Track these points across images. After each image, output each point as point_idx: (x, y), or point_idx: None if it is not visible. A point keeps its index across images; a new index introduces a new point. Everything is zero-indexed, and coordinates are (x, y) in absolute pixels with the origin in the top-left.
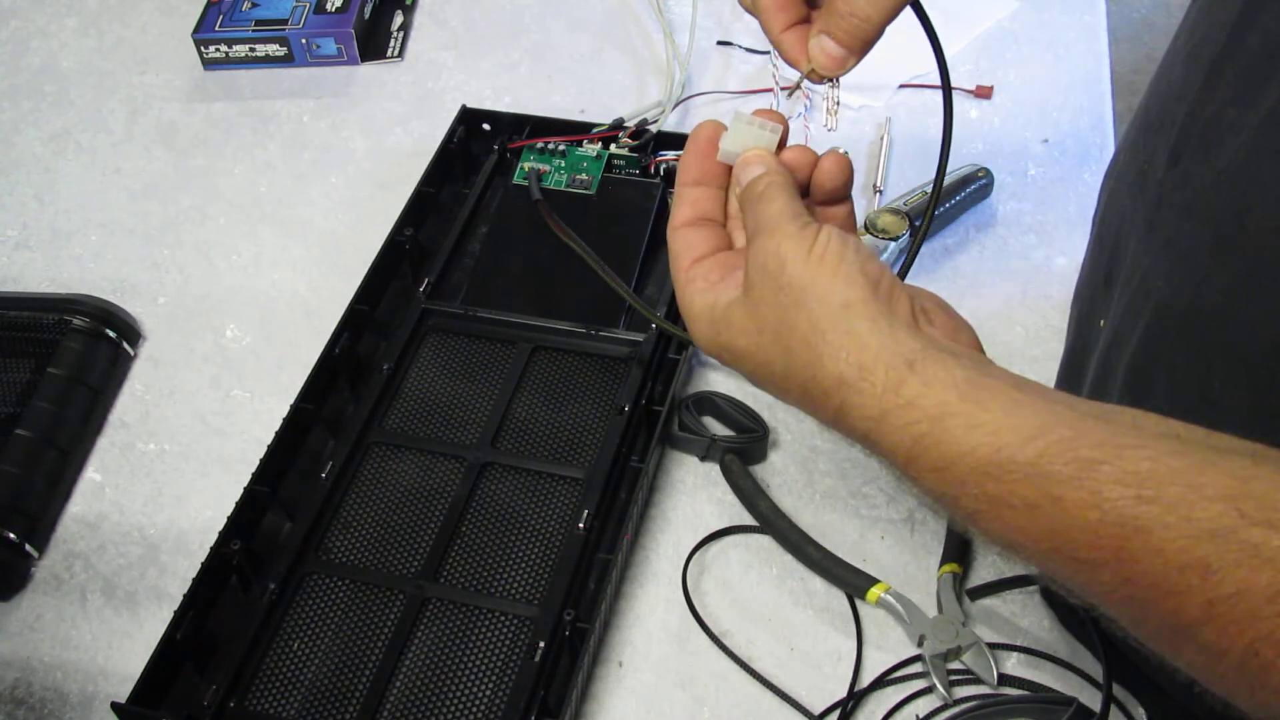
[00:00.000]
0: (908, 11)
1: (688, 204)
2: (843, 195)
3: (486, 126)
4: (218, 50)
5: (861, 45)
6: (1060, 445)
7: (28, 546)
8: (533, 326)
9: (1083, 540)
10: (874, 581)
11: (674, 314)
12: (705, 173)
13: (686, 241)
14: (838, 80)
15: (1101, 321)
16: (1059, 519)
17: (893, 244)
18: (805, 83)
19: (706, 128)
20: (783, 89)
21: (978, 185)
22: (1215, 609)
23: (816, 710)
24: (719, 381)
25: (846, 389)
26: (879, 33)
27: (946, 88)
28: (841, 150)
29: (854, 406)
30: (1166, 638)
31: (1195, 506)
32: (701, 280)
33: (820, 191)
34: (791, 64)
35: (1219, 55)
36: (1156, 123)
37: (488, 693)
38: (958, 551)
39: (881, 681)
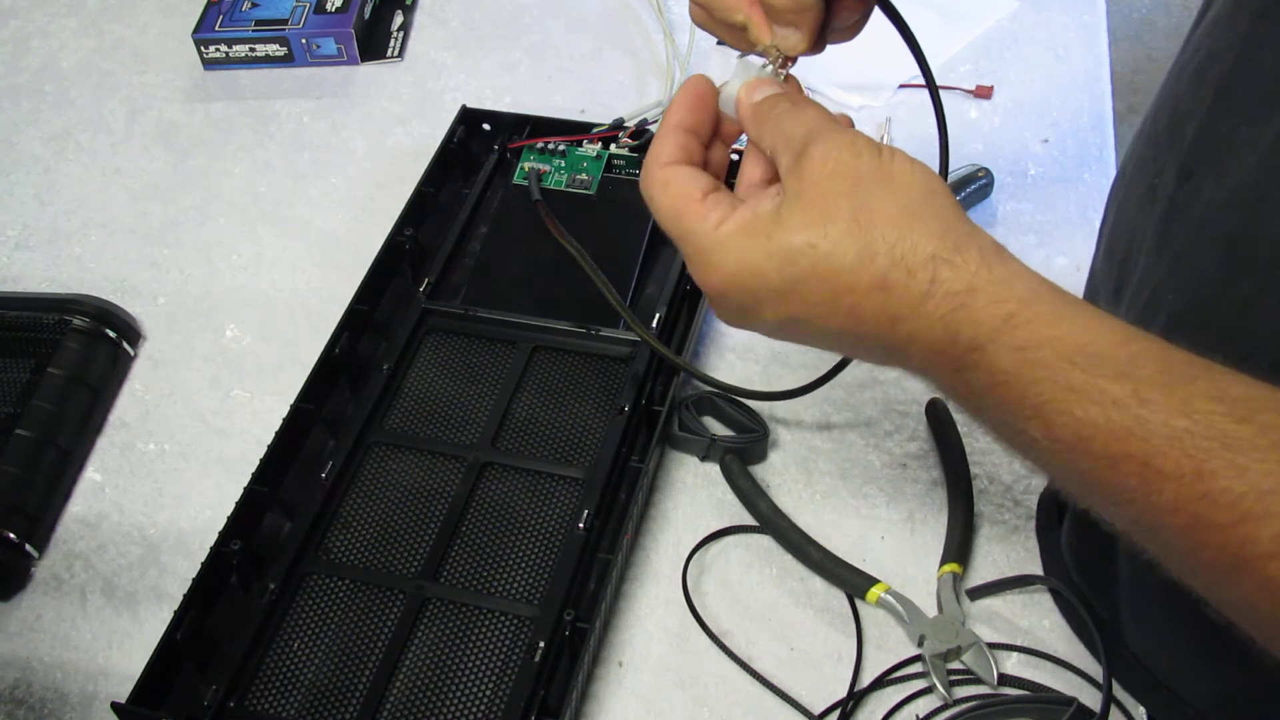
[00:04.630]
0: (909, 11)
1: (677, 146)
2: None
3: (486, 126)
4: (218, 50)
5: (803, 19)
6: (1153, 353)
7: (28, 546)
8: (533, 326)
9: (1163, 448)
10: (874, 581)
11: (675, 315)
12: (698, 122)
13: (691, 175)
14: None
15: None
16: (1144, 421)
17: None
18: (804, 82)
19: (700, 80)
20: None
21: (978, 185)
22: None
23: (816, 710)
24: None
25: (939, 262)
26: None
27: (937, 102)
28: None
29: (944, 280)
30: (1224, 569)
31: None
32: (724, 206)
33: None
34: (756, 39)
35: (1228, 73)
36: (1165, 138)
37: (488, 693)
38: (958, 551)
39: (881, 681)
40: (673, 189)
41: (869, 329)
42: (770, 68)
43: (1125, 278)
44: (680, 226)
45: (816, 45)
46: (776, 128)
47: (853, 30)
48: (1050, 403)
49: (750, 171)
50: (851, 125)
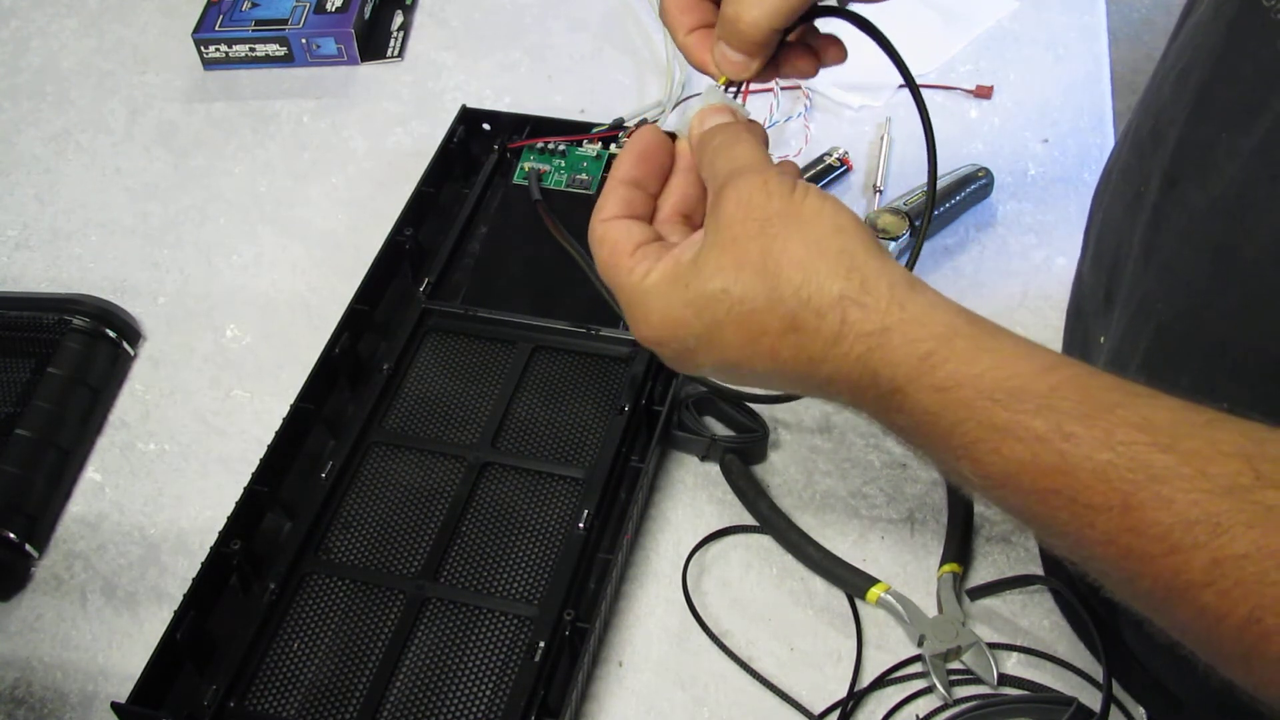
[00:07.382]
0: (909, 11)
1: (620, 201)
2: None
3: (486, 126)
4: (218, 50)
5: (756, 49)
6: (1074, 383)
7: (28, 546)
8: (533, 326)
9: (1089, 482)
10: (874, 581)
11: None
12: (643, 175)
13: (626, 230)
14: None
15: (1102, 338)
16: (1068, 456)
17: (893, 244)
18: (804, 82)
19: (649, 132)
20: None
21: (978, 185)
22: (1221, 569)
23: (816, 710)
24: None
25: (848, 303)
26: (770, 37)
27: (922, 111)
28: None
29: (855, 322)
30: (1160, 597)
31: (1211, 461)
32: (651, 258)
33: None
34: (697, 67)
35: (1208, 80)
36: (1149, 144)
37: (488, 693)
38: (958, 551)
39: (881, 681)
40: (607, 244)
41: (793, 369)
42: (730, 92)
43: (1115, 285)
44: (614, 280)
45: (772, 71)
46: (710, 163)
47: (822, 61)
48: (977, 443)
49: (667, 204)
50: (795, 170)
